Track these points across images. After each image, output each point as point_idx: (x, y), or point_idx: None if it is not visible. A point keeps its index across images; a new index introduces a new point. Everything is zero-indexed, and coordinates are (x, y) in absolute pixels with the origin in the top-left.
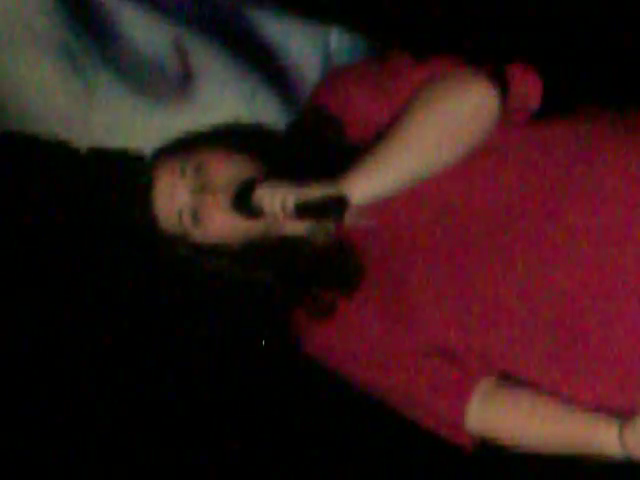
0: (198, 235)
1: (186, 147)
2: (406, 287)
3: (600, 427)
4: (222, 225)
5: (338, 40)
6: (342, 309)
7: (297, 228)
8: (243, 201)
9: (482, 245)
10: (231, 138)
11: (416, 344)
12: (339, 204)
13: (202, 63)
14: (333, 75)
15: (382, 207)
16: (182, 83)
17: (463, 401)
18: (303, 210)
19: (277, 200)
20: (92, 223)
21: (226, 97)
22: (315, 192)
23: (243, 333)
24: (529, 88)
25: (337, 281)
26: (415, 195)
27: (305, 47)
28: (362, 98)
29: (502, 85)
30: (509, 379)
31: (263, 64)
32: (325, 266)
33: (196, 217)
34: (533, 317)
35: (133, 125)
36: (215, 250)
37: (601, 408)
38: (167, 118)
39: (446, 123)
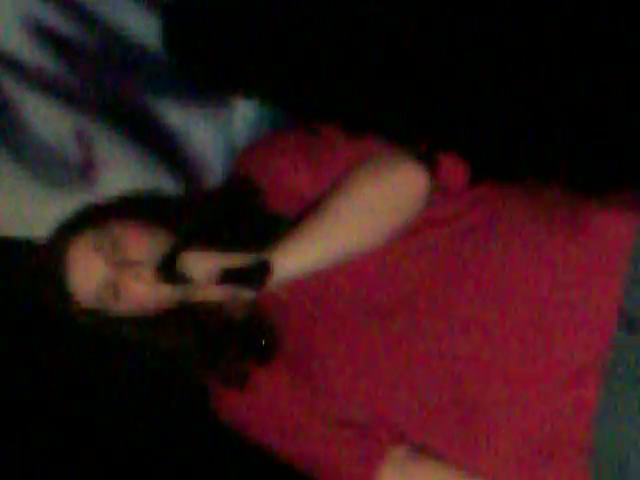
0: (118, 308)
1: (96, 220)
2: (316, 359)
3: None
4: (143, 296)
5: (241, 126)
6: (256, 378)
7: (215, 295)
8: (169, 269)
9: (388, 319)
10: (139, 207)
11: (327, 415)
12: (262, 272)
13: (104, 150)
14: (258, 144)
15: (301, 278)
16: (84, 170)
17: (374, 471)
18: (227, 276)
19: (202, 267)
20: None
21: (128, 184)
22: (239, 259)
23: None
24: (455, 169)
25: (252, 351)
26: (335, 269)
27: (208, 134)
28: (290, 170)
29: (432, 166)
30: (418, 449)
31: (165, 151)
32: (240, 335)
33: (116, 290)
34: (437, 392)
35: (33, 212)
36: (132, 320)
37: None
38: (68, 205)
39: (377, 203)
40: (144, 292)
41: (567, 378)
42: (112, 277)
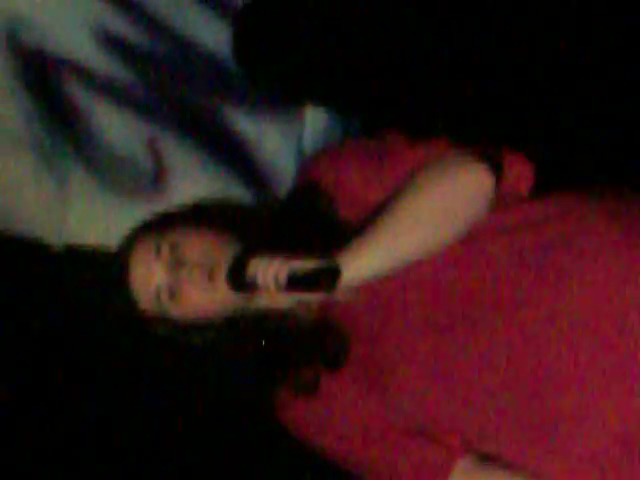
0: (176, 311)
1: (159, 226)
2: (390, 365)
3: None
4: (199, 300)
5: (312, 134)
6: (325, 386)
7: (281, 301)
8: (237, 275)
9: (467, 327)
10: (203, 214)
11: (397, 422)
12: (331, 276)
13: (175, 160)
14: (325, 152)
15: (370, 283)
16: (155, 179)
17: (443, 479)
18: (295, 282)
19: (270, 273)
20: (71, 319)
21: (199, 193)
22: (307, 265)
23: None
24: (521, 172)
25: (320, 358)
26: (404, 274)
27: (278, 142)
28: (355, 176)
29: (496, 169)
30: (488, 459)
31: (236, 160)
32: (309, 342)
33: (173, 294)
34: (513, 400)
35: (107, 221)
36: (195, 326)
37: None
38: (140, 214)
39: (442, 206)
40: (197, 294)
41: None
42: (169, 279)
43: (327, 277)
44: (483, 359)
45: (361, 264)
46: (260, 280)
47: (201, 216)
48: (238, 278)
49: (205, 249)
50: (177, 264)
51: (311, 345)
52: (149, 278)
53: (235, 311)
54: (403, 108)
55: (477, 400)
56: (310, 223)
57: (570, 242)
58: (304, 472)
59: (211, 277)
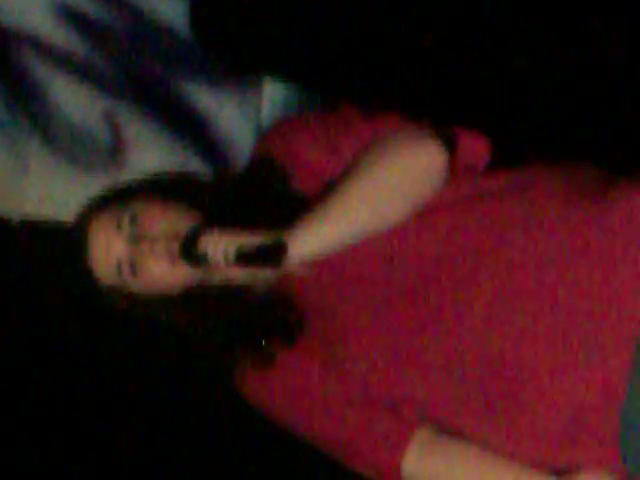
0: (137, 285)
1: (119, 199)
2: (344, 338)
3: None
4: (160, 274)
5: (270, 108)
6: (283, 359)
7: (236, 276)
8: (188, 249)
9: (419, 300)
10: (163, 187)
11: (354, 394)
12: (277, 251)
13: (133, 133)
14: (281, 125)
15: (326, 257)
16: (113, 153)
17: (400, 451)
18: (243, 257)
19: (220, 248)
20: (26, 291)
21: (156, 166)
22: (255, 240)
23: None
24: (477, 148)
25: (277, 331)
26: (358, 248)
27: (236, 116)
28: (310, 150)
29: (450, 144)
30: (446, 430)
31: (194, 134)
32: (265, 316)
33: (134, 267)
34: (467, 371)
35: (65, 194)
36: (154, 300)
37: (538, 465)
38: (98, 187)
39: (395, 181)
40: (159, 268)
41: (600, 354)
42: (130, 253)
43: (274, 253)
44: (434, 332)
45: (308, 240)
46: (210, 255)
47: (160, 189)
48: (189, 253)
49: (165, 222)
50: (138, 238)
51: (267, 319)
52: (110, 252)
53: (195, 285)
54: (362, 82)
55: (429, 371)
56: (265, 197)
57: (522, 217)
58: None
59: (171, 251)
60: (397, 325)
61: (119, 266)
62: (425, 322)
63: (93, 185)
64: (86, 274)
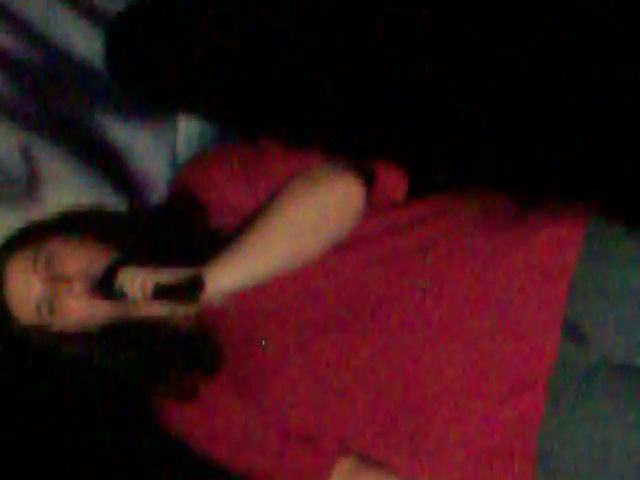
0: (57, 324)
1: (34, 238)
2: (263, 372)
3: None
4: (78, 311)
5: (185, 141)
6: (204, 392)
7: (155, 310)
8: (105, 284)
9: (334, 333)
10: (78, 224)
11: (274, 428)
12: (194, 287)
13: (48, 166)
14: (198, 160)
15: (246, 290)
16: (28, 186)
17: None
18: (161, 293)
19: (137, 283)
20: None
21: (72, 200)
22: (173, 275)
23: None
24: (394, 181)
25: (197, 364)
26: (276, 281)
27: (151, 149)
28: (227, 185)
29: (368, 179)
30: (365, 460)
31: (109, 167)
32: (184, 349)
33: (52, 308)
34: (382, 402)
35: None
36: (73, 336)
37: None
38: (12, 221)
39: (312, 216)
40: (78, 307)
41: (510, 390)
42: (48, 294)
43: (190, 288)
44: (351, 363)
45: (225, 275)
46: (127, 290)
47: (75, 226)
48: (107, 289)
49: (81, 260)
50: (54, 278)
51: (185, 352)
52: (28, 294)
53: (116, 319)
54: (280, 116)
55: (348, 403)
56: (183, 232)
57: (435, 245)
58: None
59: (88, 288)
60: (313, 360)
61: (38, 307)
62: (341, 356)
63: (8, 220)
64: (3, 315)
